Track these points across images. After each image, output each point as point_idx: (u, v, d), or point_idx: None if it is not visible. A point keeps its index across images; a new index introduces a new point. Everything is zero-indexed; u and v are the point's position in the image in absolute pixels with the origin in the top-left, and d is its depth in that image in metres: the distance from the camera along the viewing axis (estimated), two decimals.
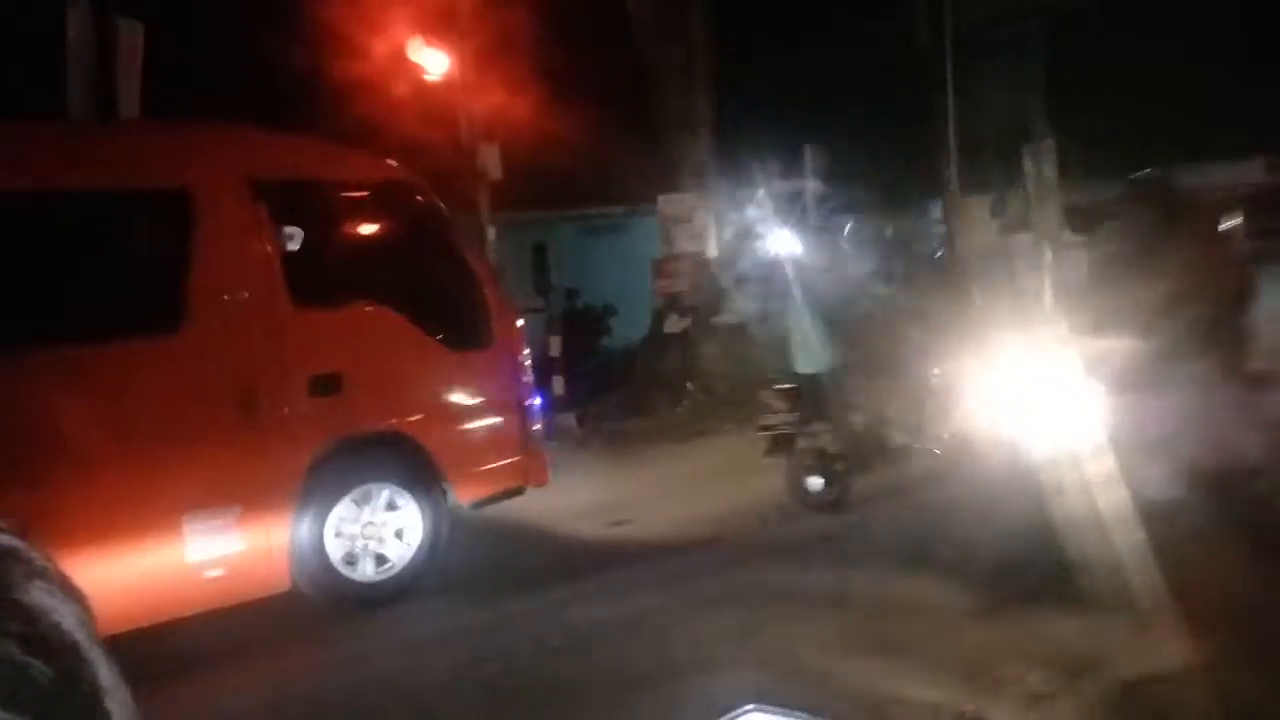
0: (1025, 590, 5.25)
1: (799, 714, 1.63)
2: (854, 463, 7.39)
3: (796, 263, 15.08)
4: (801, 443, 7.41)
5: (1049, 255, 16.71)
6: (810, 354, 7.64)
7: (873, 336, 7.73)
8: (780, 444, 7.48)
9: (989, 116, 16.86)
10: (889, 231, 25.93)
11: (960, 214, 16.10)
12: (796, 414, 7.43)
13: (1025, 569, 5.43)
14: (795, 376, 7.62)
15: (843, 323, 7.77)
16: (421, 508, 6.39)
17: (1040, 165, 17.19)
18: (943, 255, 18.74)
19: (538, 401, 7.29)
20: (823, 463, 7.35)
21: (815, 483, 7.31)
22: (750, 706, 1.61)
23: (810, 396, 7.44)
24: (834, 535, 6.69)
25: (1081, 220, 20.91)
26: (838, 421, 7.46)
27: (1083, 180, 27.12)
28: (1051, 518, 5.63)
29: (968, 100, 15.98)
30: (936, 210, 20.84)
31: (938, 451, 7.36)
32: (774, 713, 1.63)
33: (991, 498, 6.37)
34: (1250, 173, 32.19)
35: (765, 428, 7.60)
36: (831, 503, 7.29)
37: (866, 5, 19.11)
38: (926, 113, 16.37)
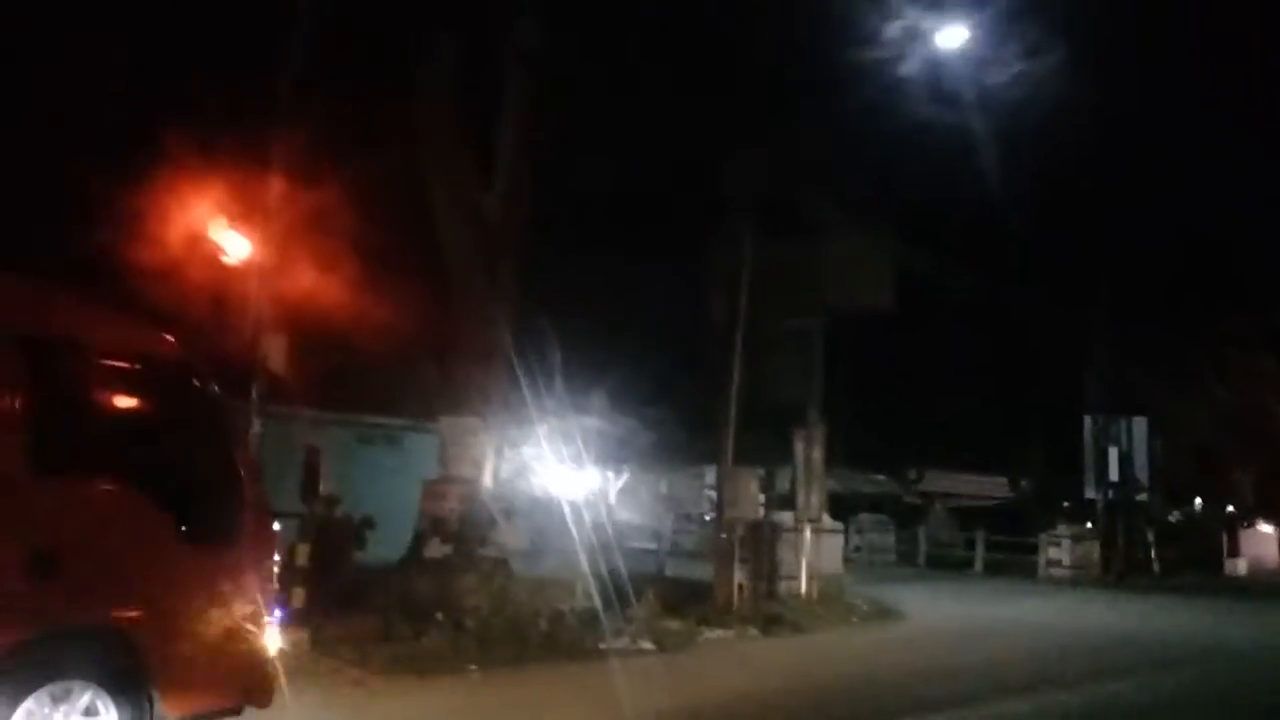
0: None
1: None
2: None
3: (571, 503, 15.11)
4: None
5: (808, 535, 17.31)
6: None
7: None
8: None
9: (769, 396, 17.69)
10: (663, 487, 26.49)
11: (732, 483, 16.55)
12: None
13: None
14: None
15: None
16: (122, 718, 5.70)
17: (810, 449, 18.05)
18: (712, 519, 19.14)
19: (277, 613, 6.76)
20: None
21: None
22: None
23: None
24: None
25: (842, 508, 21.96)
26: None
27: (846, 467, 28.69)
28: None
29: (752, 377, 16.76)
30: (710, 474, 21.46)
31: None
32: None
33: None
34: (993, 487, 34.91)
35: None
36: None
37: (672, 273, 20.11)
38: (713, 383, 17.03)
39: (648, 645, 12.52)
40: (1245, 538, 35.70)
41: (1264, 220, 32.75)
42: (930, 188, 22.30)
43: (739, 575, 15.61)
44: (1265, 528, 37.38)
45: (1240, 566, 33.78)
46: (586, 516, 15.43)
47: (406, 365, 16.60)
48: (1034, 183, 26.31)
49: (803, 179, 17.67)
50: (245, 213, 12.24)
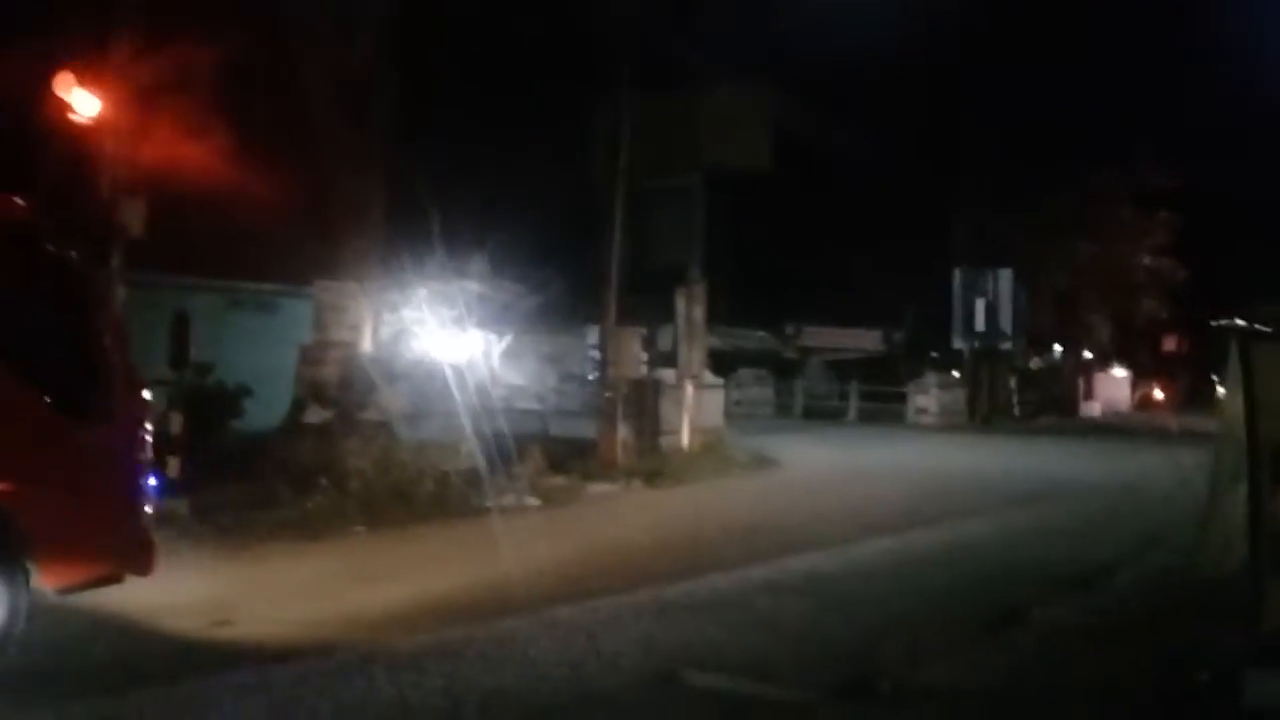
0: None
1: None
2: None
3: (453, 366, 15.07)
4: None
5: (689, 391, 17.66)
6: None
7: None
8: None
9: (651, 257, 17.75)
10: (546, 349, 26.56)
11: (615, 342, 16.71)
12: None
13: None
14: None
15: None
16: None
17: (691, 307, 18.27)
18: (595, 378, 19.34)
19: (152, 482, 6.68)
20: None
21: None
22: None
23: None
24: (454, 650, 6.50)
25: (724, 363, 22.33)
26: None
27: (727, 325, 29.13)
28: None
29: (634, 238, 16.78)
30: (593, 335, 21.62)
31: None
32: None
33: None
34: (868, 340, 35.93)
35: None
36: None
37: (551, 138, 19.75)
38: (595, 244, 17.00)
39: (533, 501, 12.76)
40: (1100, 382, 37.66)
41: (1126, 80, 33.63)
42: (807, 44, 22.20)
43: (622, 431, 15.91)
44: (1119, 372, 39.42)
45: (1095, 409, 35.71)
46: (469, 379, 15.44)
47: (278, 229, 16.10)
48: (906, 39, 26.40)
49: (681, 33, 17.42)
50: (96, 71, 11.57)
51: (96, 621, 6.65)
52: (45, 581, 5.94)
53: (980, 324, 31.72)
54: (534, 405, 20.68)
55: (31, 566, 5.82)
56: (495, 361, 20.98)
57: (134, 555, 6.34)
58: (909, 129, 29.78)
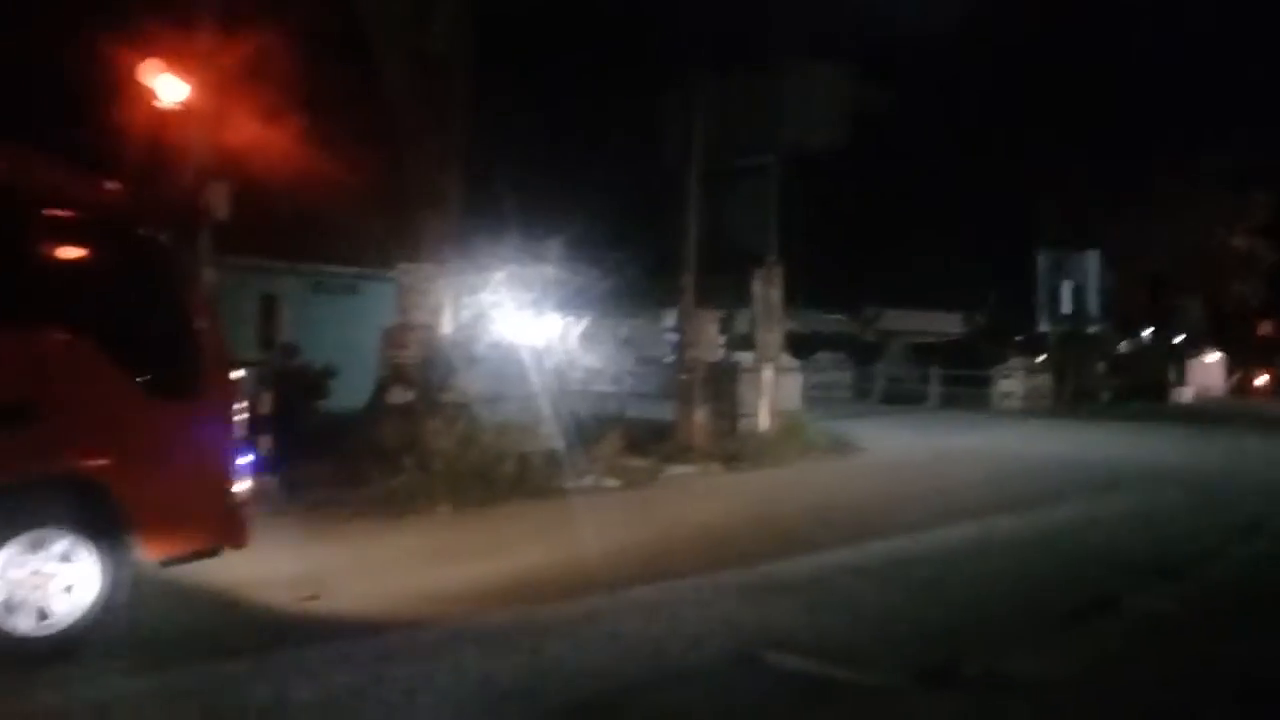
0: None
1: None
2: None
3: (531, 349, 15.17)
4: None
5: (767, 374, 17.56)
6: None
7: None
8: None
9: (728, 238, 17.66)
10: (623, 332, 26.59)
11: (692, 325, 16.68)
12: None
13: None
14: None
15: None
16: (102, 564, 5.84)
17: (768, 289, 18.14)
18: (672, 361, 19.33)
19: (247, 459, 6.83)
20: None
21: None
22: None
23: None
24: (539, 626, 6.56)
25: (801, 346, 22.10)
26: None
27: (805, 307, 28.87)
28: None
29: (710, 220, 16.70)
30: (670, 318, 21.58)
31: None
32: None
33: None
34: (949, 323, 35.39)
35: None
36: None
37: (625, 120, 19.74)
38: (671, 227, 16.96)
39: (612, 483, 12.80)
40: (1192, 366, 36.53)
41: (1221, 58, 32.60)
42: (886, 23, 21.86)
43: (700, 414, 15.87)
44: (1212, 356, 38.20)
45: (1186, 394, 34.69)
46: (546, 362, 15.53)
47: (360, 213, 16.35)
48: (995, 16, 25.86)
49: (754, 12, 17.24)
50: (181, 57, 11.83)
51: (193, 593, 6.83)
52: (147, 553, 6.12)
53: (1066, 307, 31.05)
54: (610, 388, 20.72)
55: (132, 539, 6.00)
56: (572, 344, 21.06)
57: (229, 529, 6.49)
58: (994, 111, 29.24)
